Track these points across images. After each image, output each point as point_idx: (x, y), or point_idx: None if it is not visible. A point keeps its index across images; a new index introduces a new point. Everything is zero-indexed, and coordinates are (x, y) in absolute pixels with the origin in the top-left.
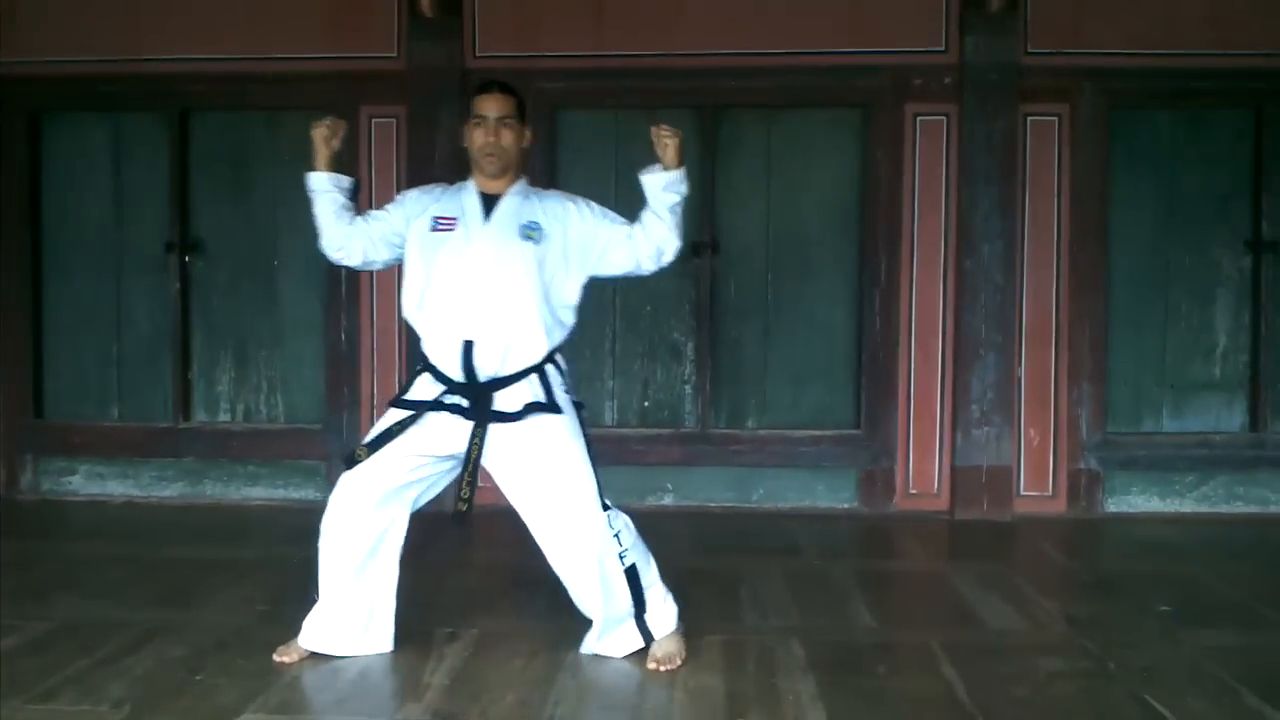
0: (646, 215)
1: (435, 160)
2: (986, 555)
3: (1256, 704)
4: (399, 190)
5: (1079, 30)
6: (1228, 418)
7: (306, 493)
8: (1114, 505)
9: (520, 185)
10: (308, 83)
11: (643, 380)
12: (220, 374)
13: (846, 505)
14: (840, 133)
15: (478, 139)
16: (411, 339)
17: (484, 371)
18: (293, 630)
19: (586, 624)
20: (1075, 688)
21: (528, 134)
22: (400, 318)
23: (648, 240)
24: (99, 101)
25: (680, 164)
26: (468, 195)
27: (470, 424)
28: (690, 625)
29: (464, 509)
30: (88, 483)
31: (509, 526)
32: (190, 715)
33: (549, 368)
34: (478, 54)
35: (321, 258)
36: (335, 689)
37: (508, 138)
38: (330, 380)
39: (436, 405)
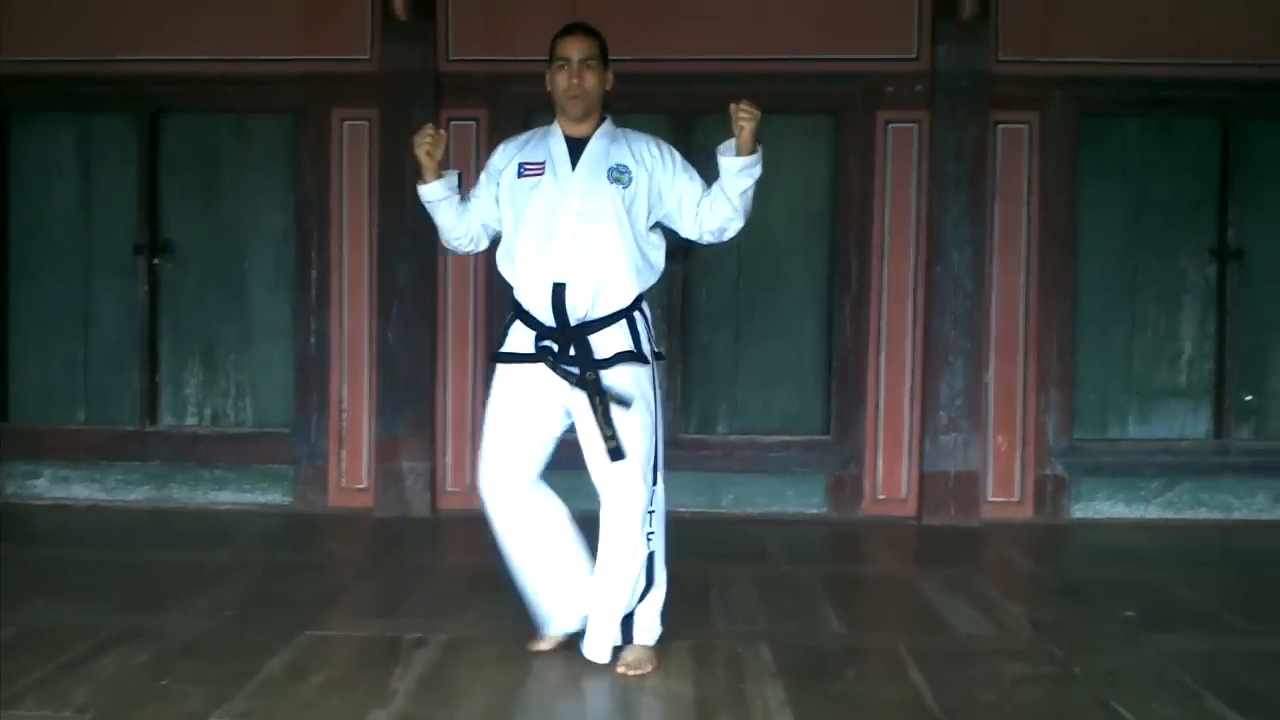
0: (716, 192)
1: (408, 163)
2: (954, 560)
3: (1220, 709)
4: (369, 196)
5: (1049, 39)
6: (1193, 424)
7: (274, 497)
8: (1080, 511)
9: (606, 127)
10: (280, 85)
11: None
12: (188, 377)
13: (815, 510)
14: (812, 139)
15: (561, 82)
16: (382, 344)
17: (575, 315)
18: (262, 635)
19: None
20: (1041, 692)
21: (609, 76)
22: (370, 323)
23: (713, 216)
24: (69, 102)
25: (756, 147)
26: (554, 140)
27: (568, 377)
28: (667, 630)
29: (614, 445)
30: (53, 486)
31: (476, 531)
32: None
33: (636, 315)
34: (451, 57)
35: (290, 262)
36: (302, 695)
37: (591, 80)
38: (299, 384)
39: (537, 357)
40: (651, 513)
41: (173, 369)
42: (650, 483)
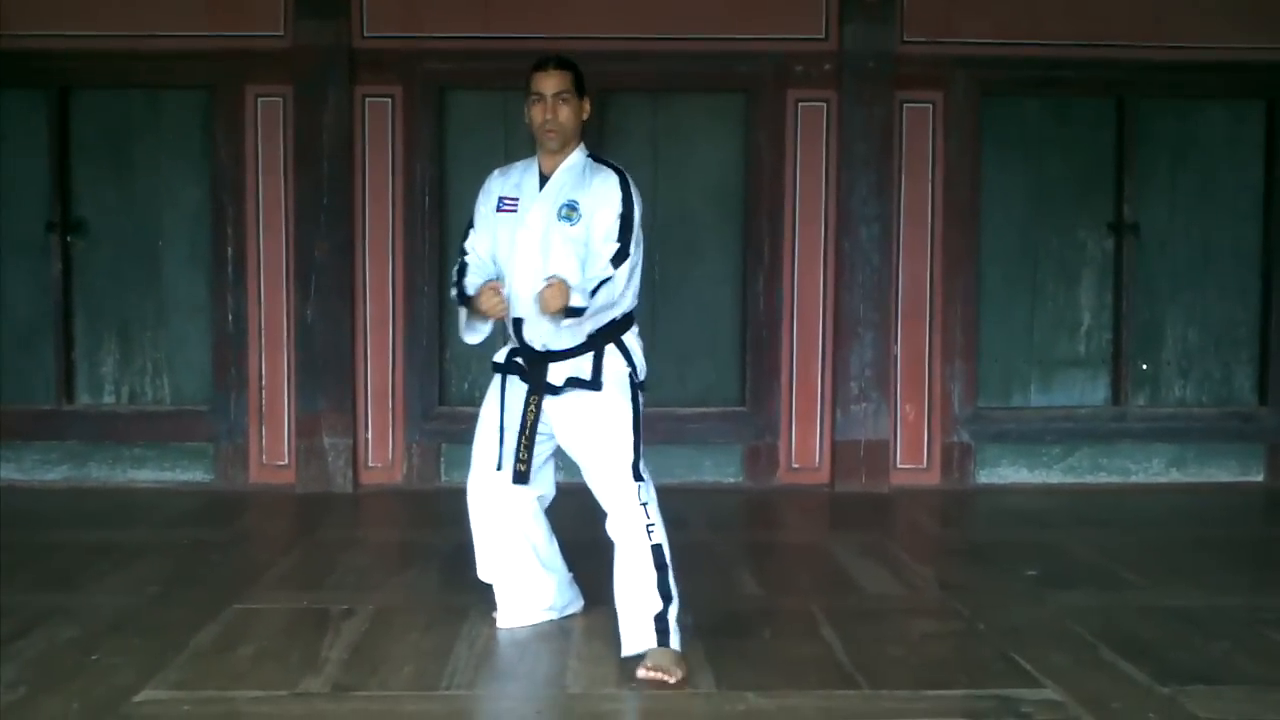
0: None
1: (323, 139)
2: (865, 525)
3: (1112, 658)
4: (285, 172)
5: (951, 21)
6: (1091, 392)
7: (194, 474)
8: (985, 477)
9: (575, 159)
10: (192, 61)
11: None
12: (104, 355)
13: (732, 480)
14: (724, 117)
15: (536, 116)
16: (301, 320)
17: (537, 345)
18: (189, 610)
19: (480, 597)
20: (947, 647)
21: (586, 106)
22: (288, 299)
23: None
24: None
25: (559, 305)
26: (529, 174)
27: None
28: (586, 596)
29: (523, 469)
30: None
31: (397, 506)
32: (88, 694)
33: (609, 349)
34: (365, 34)
35: (206, 239)
36: (234, 665)
37: (565, 113)
38: (217, 361)
39: (509, 368)
40: (645, 505)
41: (88, 347)
42: (636, 479)
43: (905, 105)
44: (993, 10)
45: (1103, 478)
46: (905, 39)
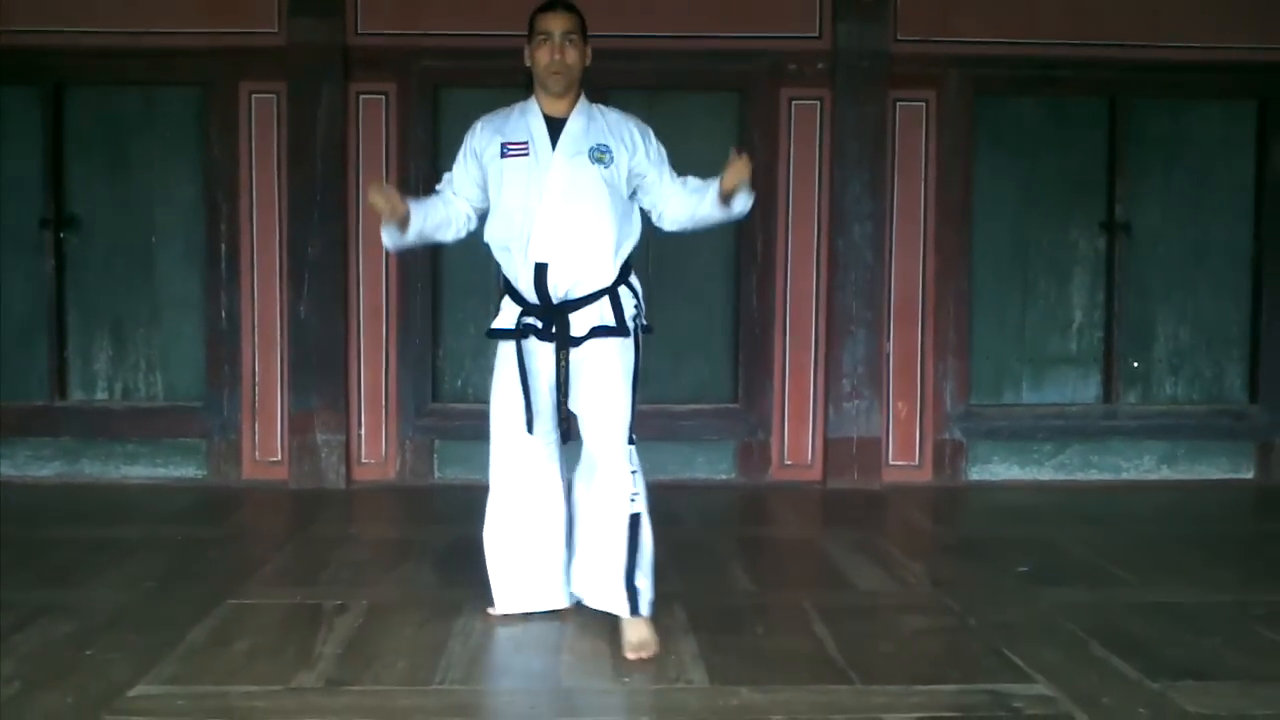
0: (693, 196)
1: (317, 136)
2: (857, 522)
3: (1104, 654)
4: (278, 169)
5: (946, 19)
6: (1083, 390)
7: (187, 471)
8: (976, 474)
9: (583, 105)
10: (187, 58)
11: None
12: (97, 352)
13: (725, 476)
14: (718, 115)
15: (542, 58)
16: (294, 317)
17: (557, 294)
18: (183, 605)
19: (474, 593)
20: (939, 643)
21: (588, 51)
22: (281, 295)
23: (684, 212)
24: None
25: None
26: (534, 118)
27: (550, 345)
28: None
29: (567, 426)
30: None
31: (390, 502)
32: (84, 690)
33: (622, 289)
34: (359, 31)
35: (199, 236)
36: (228, 660)
37: (572, 55)
38: (210, 358)
39: (524, 331)
40: (634, 473)
41: (82, 344)
42: (629, 441)
43: (899, 104)
44: (986, 9)
45: (1094, 475)
46: (899, 38)
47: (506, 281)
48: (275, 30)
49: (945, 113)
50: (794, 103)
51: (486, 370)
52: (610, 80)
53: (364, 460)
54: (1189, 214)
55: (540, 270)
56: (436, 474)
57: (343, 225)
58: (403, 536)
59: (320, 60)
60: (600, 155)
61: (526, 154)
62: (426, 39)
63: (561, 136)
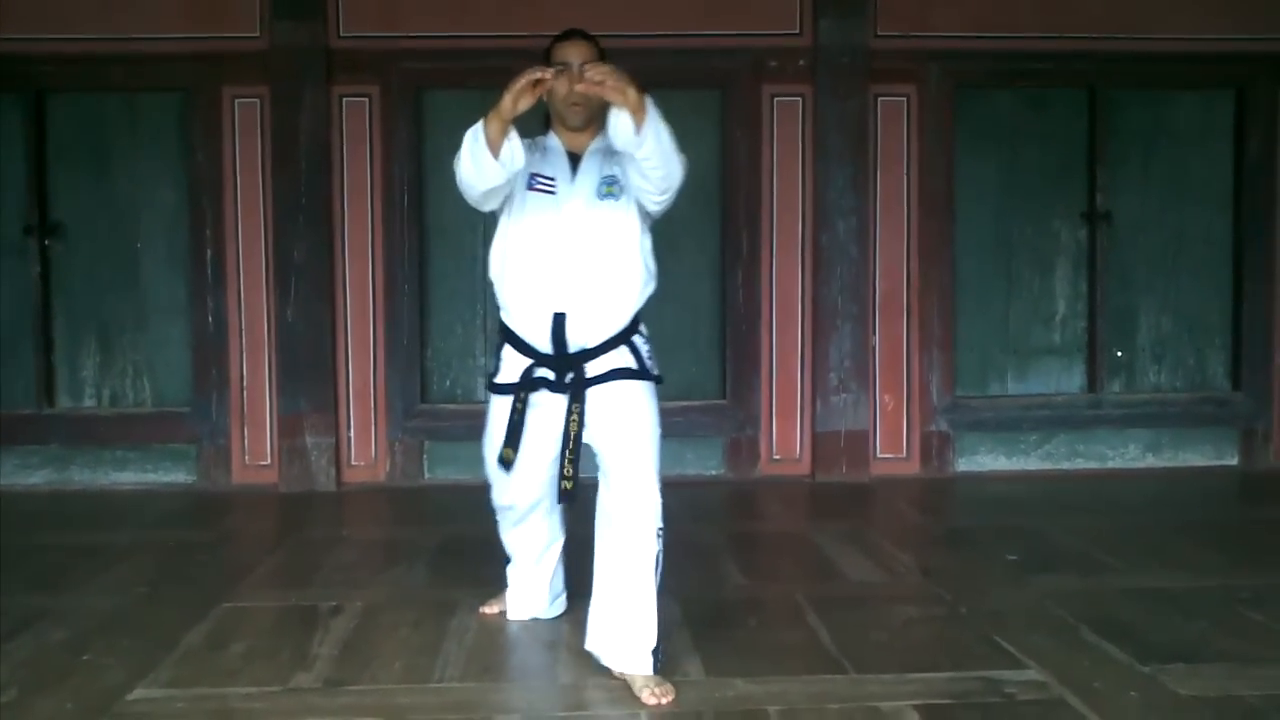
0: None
1: (300, 140)
2: (846, 514)
3: (1094, 639)
4: (263, 173)
5: (925, 14)
6: (1067, 380)
7: (176, 476)
8: (964, 465)
9: (601, 139)
10: (169, 63)
11: None
12: (84, 358)
13: (714, 472)
14: (700, 113)
15: (560, 89)
16: (281, 321)
17: (574, 344)
18: (177, 609)
19: (468, 592)
20: (930, 631)
21: None
22: (268, 300)
23: (647, 186)
24: None
25: (641, 106)
26: (556, 156)
27: (559, 398)
28: (571, 589)
29: (569, 487)
30: None
31: (381, 504)
32: (80, 694)
33: (636, 338)
34: (341, 34)
35: (184, 241)
36: (225, 663)
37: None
38: (198, 363)
39: (532, 385)
40: (661, 507)
41: (68, 351)
42: (657, 479)
43: (880, 99)
44: (965, 4)
45: (1080, 464)
46: (879, 33)
47: (507, 330)
48: (257, 34)
49: (926, 107)
50: (776, 99)
51: (475, 371)
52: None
53: (354, 462)
54: (1169, 203)
55: (559, 321)
56: (426, 474)
57: (328, 228)
58: (395, 537)
59: (302, 63)
60: (609, 189)
61: (553, 193)
62: (408, 41)
63: (578, 175)
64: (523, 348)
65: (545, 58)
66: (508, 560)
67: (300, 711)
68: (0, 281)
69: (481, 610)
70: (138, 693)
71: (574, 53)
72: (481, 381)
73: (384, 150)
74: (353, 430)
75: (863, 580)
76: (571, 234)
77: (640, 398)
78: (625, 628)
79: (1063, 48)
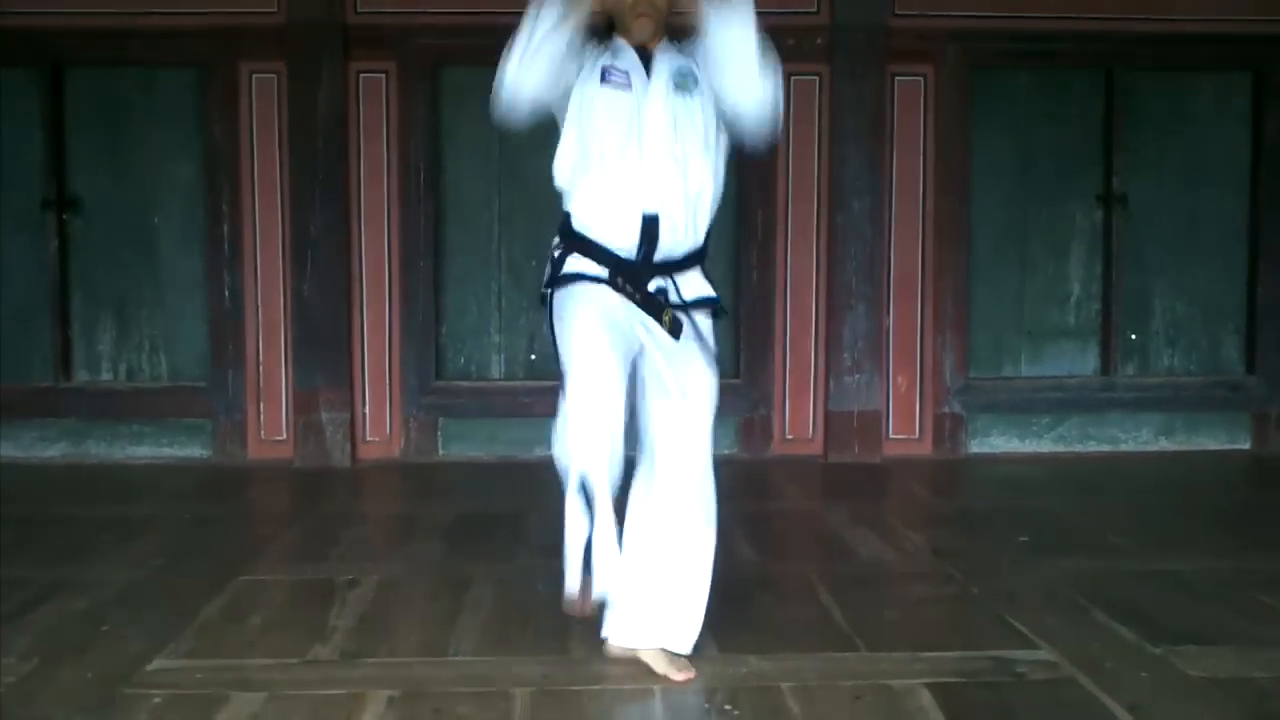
0: (722, 53)
1: (317, 115)
2: (858, 494)
3: (1104, 619)
4: (280, 149)
5: None
6: (1081, 362)
7: (193, 450)
8: (976, 446)
9: (667, 43)
10: (186, 38)
11: (528, 334)
12: (101, 333)
13: (727, 451)
14: None
15: None
16: (297, 296)
17: (663, 251)
18: (195, 582)
19: (483, 566)
20: (942, 610)
21: None
22: (284, 275)
23: (731, 77)
24: None
25: None
26: (625, 52)
27: (636, 313)
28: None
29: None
30: None
31: (395, 479)
32: (101, 664)
33: (705, 259)
34: (359, 9)
35: (201, 216)
36: (243, 634)
37: None
38: (214, 337)
39: (613, 282)
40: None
41: (86, 325)
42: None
43: (896, 78)
44: None
45: (1092, 446)
46: (896, 12)
47: (580, 240)
48: (275, 10)
49: (942, 87)
50: (793, 78)
51: (489, 348)
52: None
53: (369, 438)
54: (1185, 186)
55: (650, 222)
56: (441, 451)
57: (344, 204)
58: (410, 512)
59: (320, 39)
60: (682, 81)
61: (629, 87)
62: (426, 17)
63: (654, 70)
64: (601, 256)
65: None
66: (588, 536)
67: (318, 683)
68: (18, 256)
69: (582, 613)
70: (158, 663)
71: None
72: (497, 359)
73: (401, 126)
74: (368, 406)
75: (875, 559)
76: (658, 129)
77: (711, 343)
78: (681, 605)
79: (1080, 28)
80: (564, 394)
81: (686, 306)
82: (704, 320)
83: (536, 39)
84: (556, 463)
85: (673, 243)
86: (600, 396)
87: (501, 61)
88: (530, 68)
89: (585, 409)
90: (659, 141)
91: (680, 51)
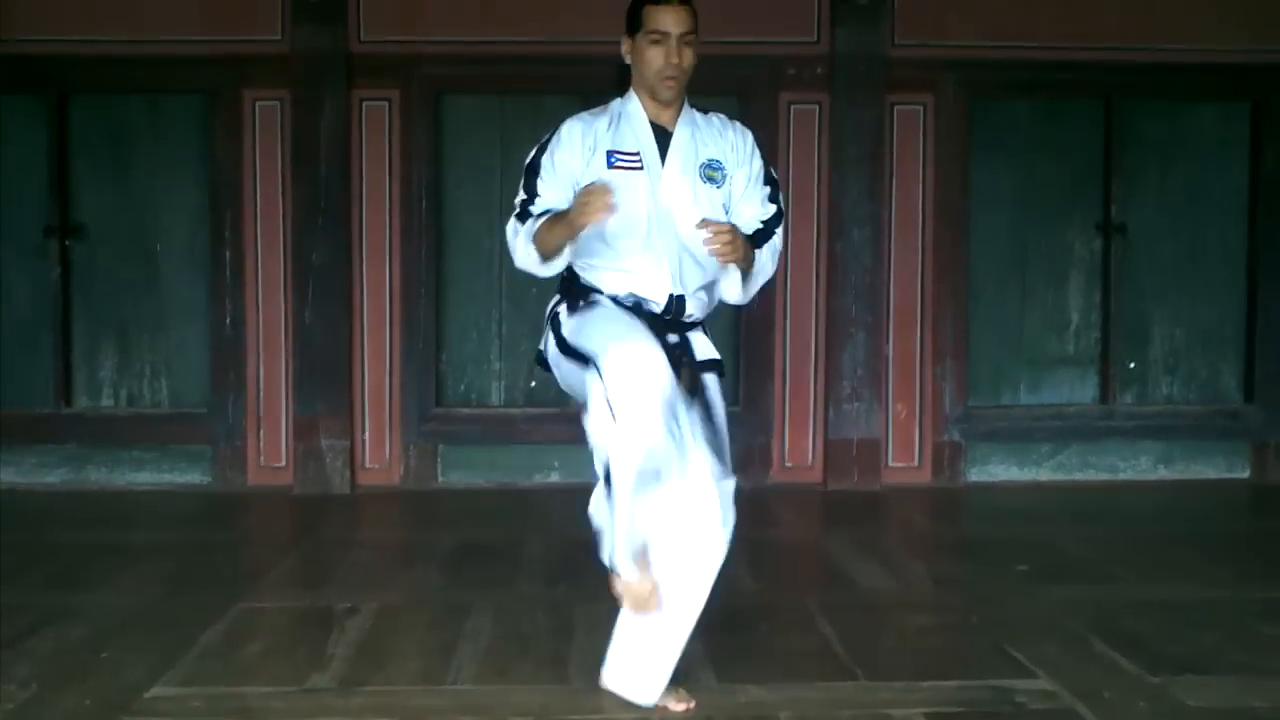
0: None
1: (320, 143)
2: (858, 523)
3: (1104, 649)
4: (282, 176)
5: (942, 23)
6: (1080, 391)
7: (193, 477)
8: (976, 474)
9: (688, 112)
10: (190, 66)
11: (529, 361)
12: (103, 359)
13: None
14: None
15: (654, 60)
16: (299, 323)
17: (685, 317)
18: (195, 609)
19: (483, 593)
20: (942, 639)
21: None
22: (286, 302)
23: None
24: None
25: (750, 256)
26: (640, 126)
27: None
28: (588, 593)
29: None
30: None
31: (395, 507)
32: (100, 691)
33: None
34: (362, 38)
35: (204, 243)
36: (242, 662)
37: (689, 58)
38: (215, 364)
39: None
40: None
41: (87, 351)
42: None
43: (896, 108)
44: (983, 13)
45: (1091, 475)
46: (896, 42)
47: (595, 289)
48: (279, 37)
49: (942, 116)
50: (793, 107)
51: (490, 375)
52: (604, 85)
53: (368, 465)
54: (1184, 215)
55: (677, 302)
56: (440, 478)
57: (347, 231)
58: (409, 540)
59: (323, 67)
60: (712, 174)
61: (640, 168)
62: (429, 46)
63: (671, 150)
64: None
65: (632, 16)
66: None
67: (316, 711)
68: (21, 281)
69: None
70: (156, 690)
71: (672, 20)
72: (497, 386)
73: (403, 154)
74: (368, 433)
75: (874, 588)
76: (678, 213)
77: (717, 396)
78: (655, 659)
79: (1079, 58)
80: (598, 377)
81: (698, 366)
82: (712, 381)
83: (537, 241)
84: (592, 521)
85: (691, 310)
86: (646, 357)
87: (508, 235)
88: (534, 257)
89: (630, 373)
90: (673, 228)
91: (703, 125)
